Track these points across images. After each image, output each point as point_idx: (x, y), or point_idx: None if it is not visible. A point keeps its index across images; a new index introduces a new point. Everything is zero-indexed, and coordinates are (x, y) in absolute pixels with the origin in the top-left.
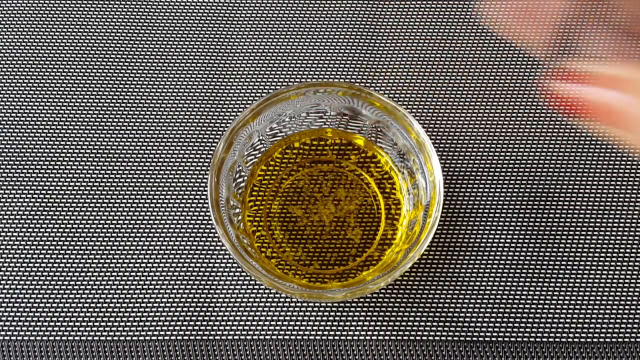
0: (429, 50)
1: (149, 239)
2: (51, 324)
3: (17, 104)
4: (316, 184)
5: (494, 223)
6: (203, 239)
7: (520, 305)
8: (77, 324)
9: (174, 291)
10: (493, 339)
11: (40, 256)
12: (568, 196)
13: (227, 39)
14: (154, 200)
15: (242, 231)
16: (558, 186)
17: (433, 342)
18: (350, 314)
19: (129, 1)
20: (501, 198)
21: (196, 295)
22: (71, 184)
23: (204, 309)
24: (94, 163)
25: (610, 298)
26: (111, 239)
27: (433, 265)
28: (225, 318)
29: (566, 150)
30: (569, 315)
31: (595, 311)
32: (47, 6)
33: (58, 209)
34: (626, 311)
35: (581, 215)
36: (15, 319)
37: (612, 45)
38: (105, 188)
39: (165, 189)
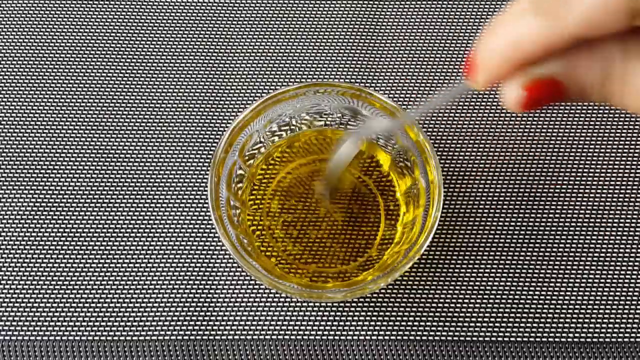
0: (429, 50)
1: (149, 239)
2: (51, 324)
3: (17, 104)
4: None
5: (494, 223)
6: (203, 239)
7: (520, 305)
8: (77, 324)
9: (174, 291)
10: (493, 339)
11: (40, 256)
12: (568, 196)
13: (227, 39)
14: (154, 200)
15: (242, 231)
16: (558, 186)
17: (433, 342)
18: (350, 314)
19: (129, 1)
20: (501, 198)
21: (196, 295)
22: (71, 184)
23: (204, 309)
24: (94, 163)
25: (610, 298)
26: (111, 239)
27: (433, 265)
28: (225, 318)
29: (566, 150)
30: (568, 315)
31: (595, 311)
32: (47, 6)
33: (58, 209)
34: (626, 311)
35: (581, 215)
36: (15, 319)
37: None
38: (105, 188)
39: (165, 189)
